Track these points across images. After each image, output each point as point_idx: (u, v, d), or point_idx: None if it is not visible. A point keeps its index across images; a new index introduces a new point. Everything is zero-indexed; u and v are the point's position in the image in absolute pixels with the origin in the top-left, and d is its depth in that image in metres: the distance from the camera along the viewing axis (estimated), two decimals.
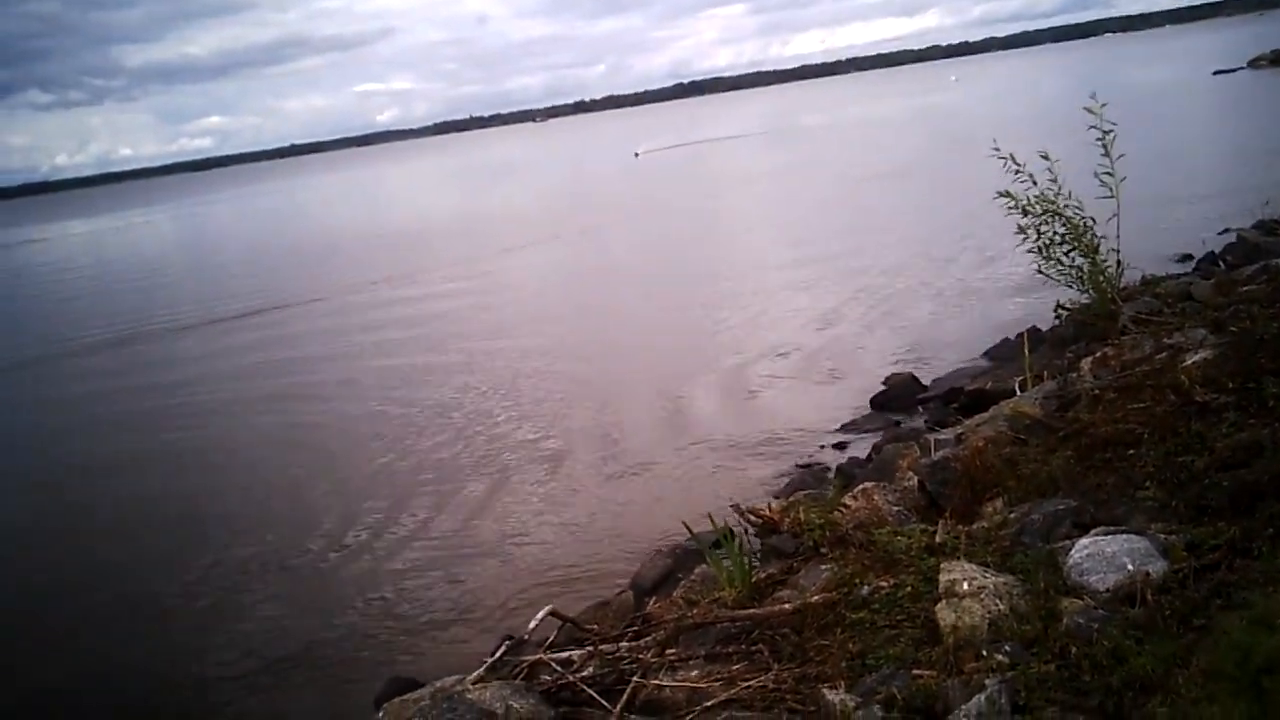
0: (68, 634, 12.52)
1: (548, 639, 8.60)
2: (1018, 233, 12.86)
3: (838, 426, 15.18)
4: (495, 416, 18.31)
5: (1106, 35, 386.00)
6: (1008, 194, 12.58)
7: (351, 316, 31.78)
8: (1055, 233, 12.80)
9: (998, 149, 12.68)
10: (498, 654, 8.29)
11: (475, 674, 7.93)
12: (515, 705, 7.06)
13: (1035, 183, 12.64)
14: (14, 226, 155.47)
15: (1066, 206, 12.66)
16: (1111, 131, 12.34)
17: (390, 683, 9.59)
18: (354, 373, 23.89)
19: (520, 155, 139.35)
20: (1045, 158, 12.53)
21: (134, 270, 58.90)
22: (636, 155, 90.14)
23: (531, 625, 8.59)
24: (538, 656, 8.01)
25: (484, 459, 16.17)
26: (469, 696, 7.20)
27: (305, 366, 25.32)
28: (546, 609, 8.73)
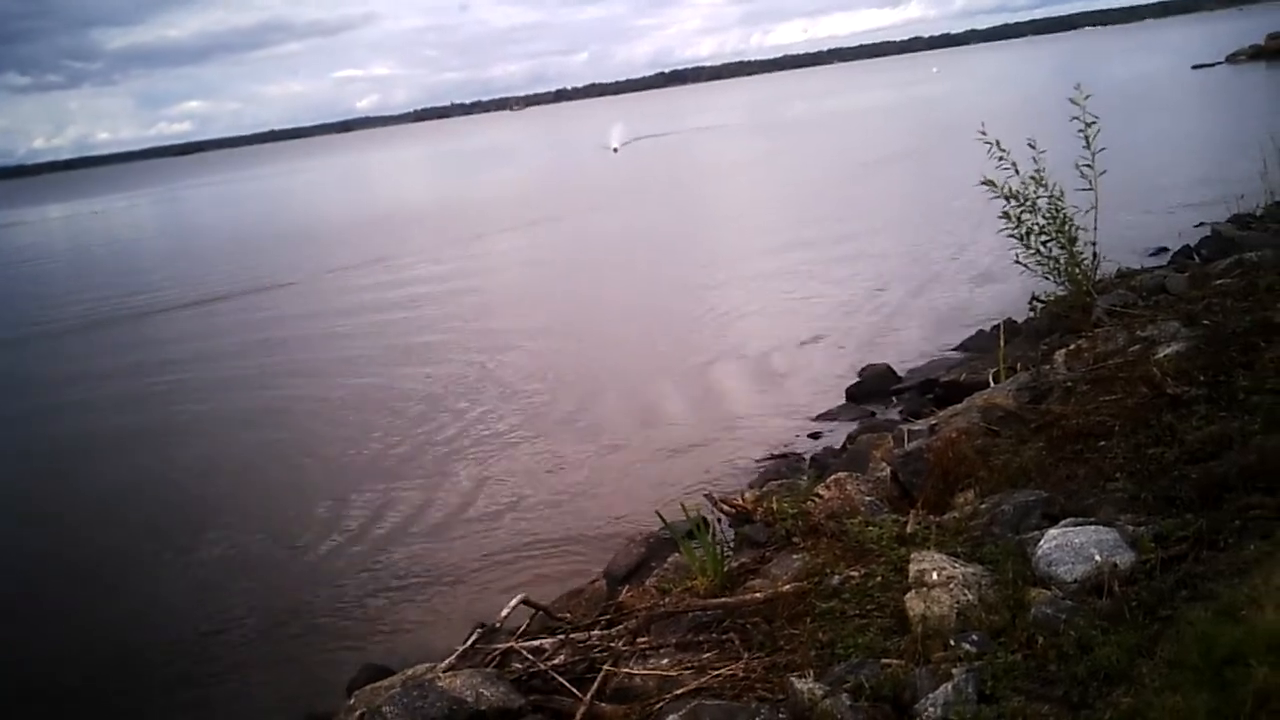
0: (38, 613, 12.55)
1: (520, 627, 8.59)
2: (1001, 216, 12.82)
3: (813, 417, 15.19)
4: (468, 402, 18.26)
5: (1087, 29, 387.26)
6: (991, 183, 12.55)
7: (321, 300, 31.80)
8: (1035, 223, 12.80)
9: (984, 132, 12.61)
10: (469, 642, 8.29)
11: (446, 662, 7.93)
12: (486, 693, 7.06)
13: (1018, 171, 12.62)
14: None
15: (1049, 196, 12.66)
16: (1094, 123, 12.35)
17: (362, 670, 9.56)
18: (323, 357, 23.85)
19: (501, 141, 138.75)
20: (1032, 146, 12.50)
21: (113, 254, 58.63)
22: (615, 150, 78.67)
23: (504, 613, 8.58)
24: (509, 645, 8.00)
25: (456, 446, 16.13)
26: (439, 684, 7.20)
27: (278, 349, 25.29)
28: (519, 597, 8.72)
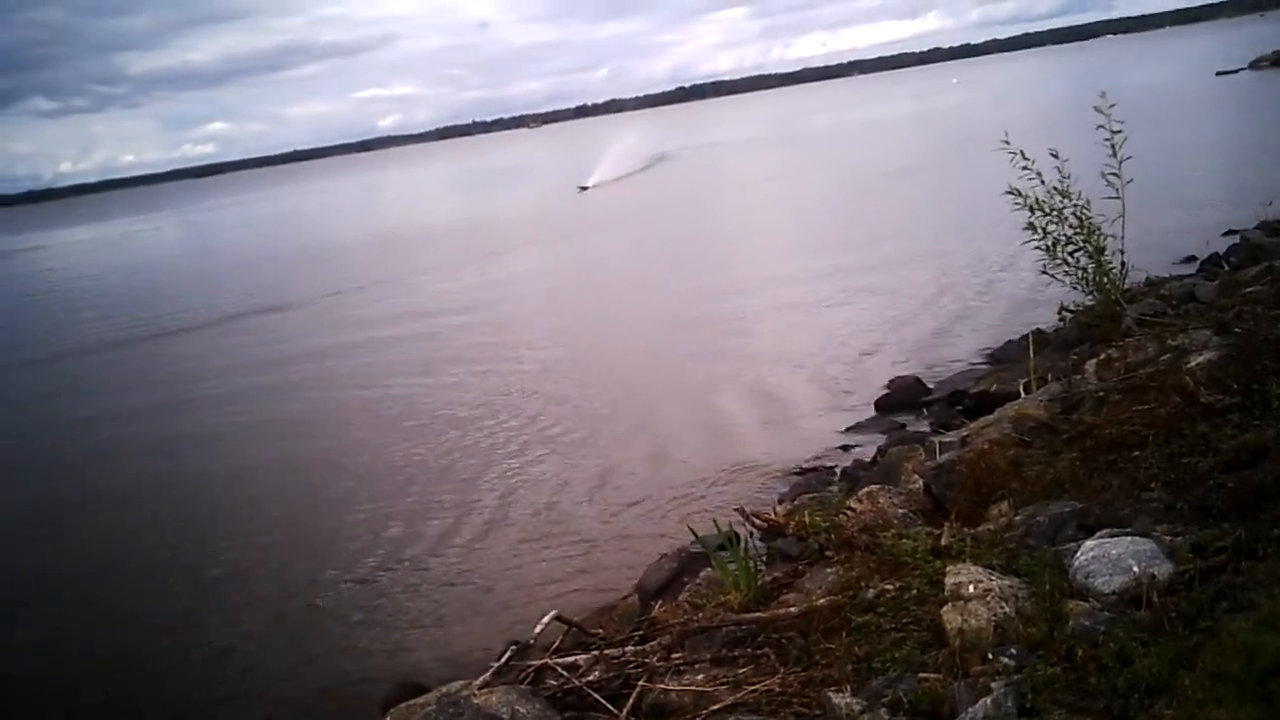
0: (69, 622, 12.80)
1: (553, 644, 8.60)
2: (1026, 228, 12.74)
3: (842, 430, 15.19)
4: (499, 417, 18.37)
5: (1107, 37, 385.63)
6: (1016, 191, 12.45)
7: (344, 317, 32.17)
8: (1063, 234, 12.70)
9: (1007, 142, 12.54)
10: (503, 659, 8.30)
11: (481, 679, 7.94)
12: (521, 710, 7.06)
13: (1043, 181, 12.54)
14: (17, 234, 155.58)
15: (1075, 206, 12.56)
16: (1120, 131, 12.27)
17: (396, 687, 9.60)
18: (349, 371, 24.18)
19: (520, 160, 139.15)
20: (1055, 156, 12.42)
21: (138, 275, 59.14)
22: (583, 189, 65.44)
23: (537, 630, 8.60)
24: (543, 661, 8.00)
25: (486, 461, 16.21)
26: (475, 701, 7.19)
27: (304, 363, 25.63)
28: (551, 613, 8.73)
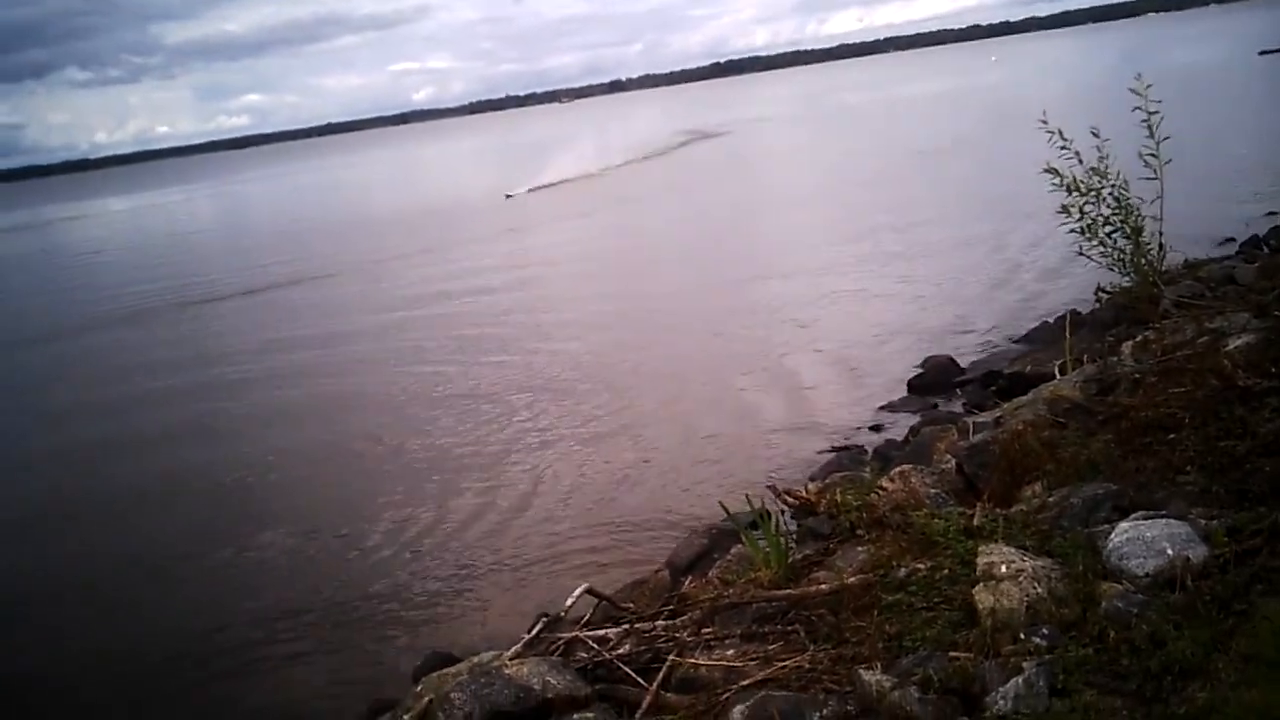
0: (101, 601, 12.93)
1: (584, 617, 8.64)
2: (1060, 211, 12.61)
3: (875, 409, 15.16)
4: (530, 392, 18.46)
5: (1150, 14, 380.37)
6: (1054, 170, 12.31)
7: (377, 290, 32.47)
8: (1100, 214, 12.56)
9: (1044, 121, 12.40)
10: (534, 631, 8.34)
11: (513, 650, 7.99)
12: (552, 681, 7.12)
13: (1081, 160, 12.40)
14: (54, 203, 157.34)
15: (1113, 187, 12.42)
16: (1157, 112, 12.11)
17: (427, 657, 9.72)
18: (383, 348, 24.29)
19: (551, 134, 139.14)
20: (1095, 134, 12.27)
21: (172, 245, 59.71)
22: (508, 197, 55.18)
23: (568, 603, 8.64)
24: (574, 634, 8.05)
25: (517, 436, 16.29)
26: (506, 671, 7.26)
27: (337, 340, 25.79)
28: (583, 587, 8.78)
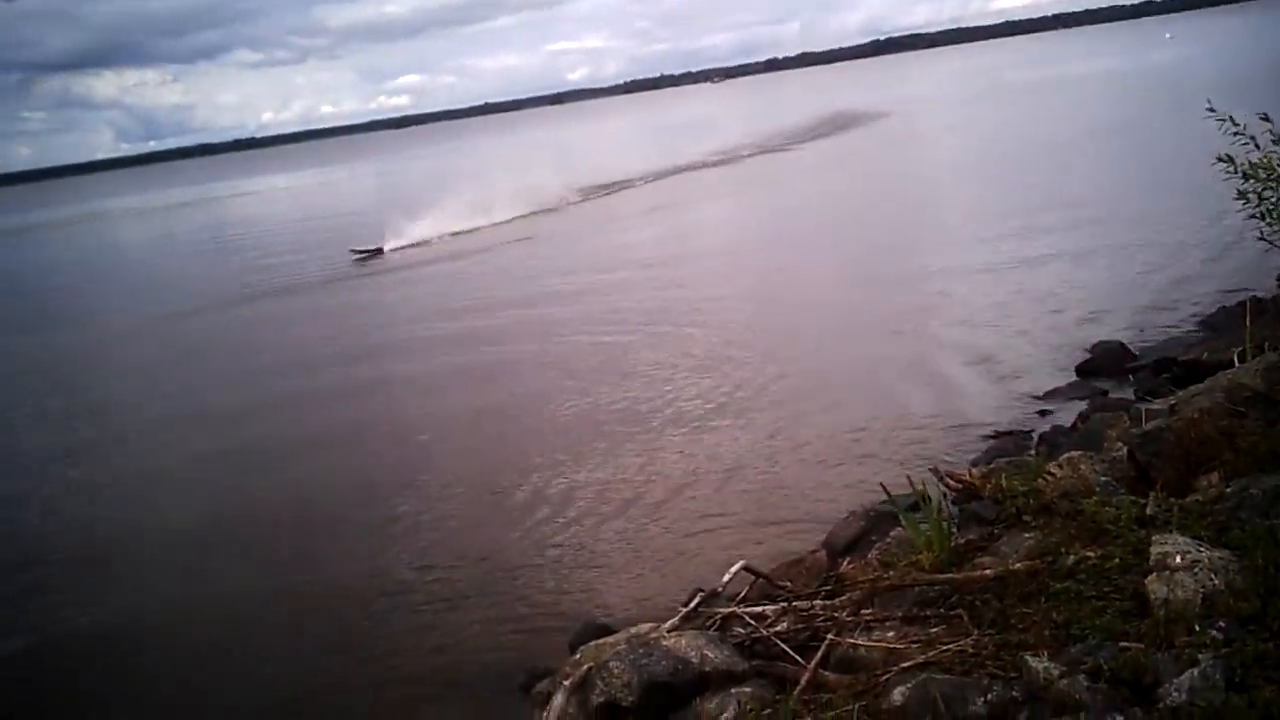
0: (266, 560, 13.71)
1: (740, 593, 8.71)
2: (1237, 198, 12.09)
3: (1041, 394, 14.80)
4: (686, 368, 18.60)
5: None
6: (1228, 158, 11.80)
7: (531, 264, 33.13)
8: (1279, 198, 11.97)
9: (1212, 109, 11.88)
10: (691, 604, 8.44)
11: (670, 622, 8.11)
12: (710, 655, 7.20)
13: (1258, 146, 11.85)
14: (224, 180, 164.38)
15: None
16: None
17: (584, 627, 9.90)
18: (537, 314, 24.91)
19: (705, 114, 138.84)
20: (1266, 119, 11.72)
21: (335, 221, 61.89)
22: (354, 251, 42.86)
23: (725, 579, 8.72)
24: (731, 609, 8.12)
25: (675, 411, 16.44)
26: (664, 643, 7.38)
27: (492, 311, 26.75)
28: (740, 564, 8.84)
